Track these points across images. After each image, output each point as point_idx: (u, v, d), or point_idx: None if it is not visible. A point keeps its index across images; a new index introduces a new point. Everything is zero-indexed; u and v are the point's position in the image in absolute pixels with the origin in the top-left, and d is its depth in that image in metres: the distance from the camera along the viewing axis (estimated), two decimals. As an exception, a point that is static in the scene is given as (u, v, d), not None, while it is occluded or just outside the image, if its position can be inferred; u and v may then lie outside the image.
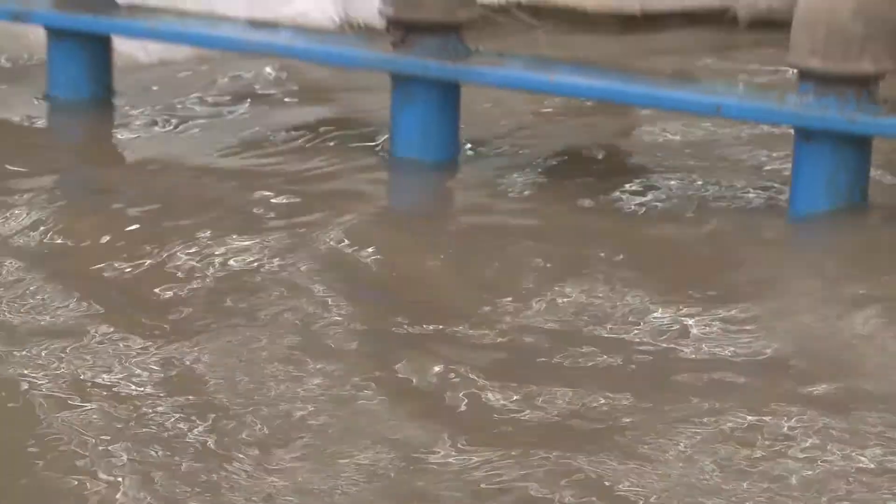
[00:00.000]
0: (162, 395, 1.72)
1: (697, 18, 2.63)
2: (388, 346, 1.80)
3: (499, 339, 1.77)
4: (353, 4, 2.43)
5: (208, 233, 1.83)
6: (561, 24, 2.54)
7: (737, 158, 2.15)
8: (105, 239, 1.83)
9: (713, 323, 1.77)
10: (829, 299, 1.79)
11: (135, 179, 1.97)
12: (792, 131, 1.95)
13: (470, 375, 1.71)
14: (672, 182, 2.06)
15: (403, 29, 1.95)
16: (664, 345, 1.77)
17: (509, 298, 1.81)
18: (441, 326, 1.81)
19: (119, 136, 2.09)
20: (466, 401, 1.68)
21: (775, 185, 2.06)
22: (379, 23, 2.38)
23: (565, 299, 1.82)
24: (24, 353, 1.80)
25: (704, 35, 2.60)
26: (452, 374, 1.73)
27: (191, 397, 1.70)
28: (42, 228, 1.83)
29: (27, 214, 1.84)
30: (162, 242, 1.85)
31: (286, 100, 2.23)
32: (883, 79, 1.86)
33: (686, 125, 2.20)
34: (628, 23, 2.59)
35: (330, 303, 1.82)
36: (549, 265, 1.82)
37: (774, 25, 2.56)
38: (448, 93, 1.98)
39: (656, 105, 2.00)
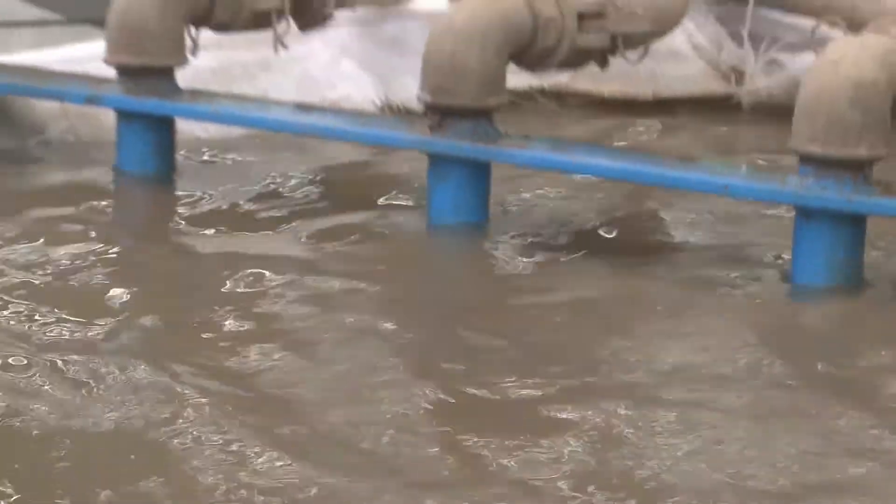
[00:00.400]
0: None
1: (704, 103, 2.63)
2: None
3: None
4: (393, 89, 2.44)
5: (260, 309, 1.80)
6: (580, 107, 2.54)
7: (741, 232, 2.14)
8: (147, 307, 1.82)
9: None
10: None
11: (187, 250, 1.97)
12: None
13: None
14: (682, 254, 2.06)
15: (439, 113, 1.96)
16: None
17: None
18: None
19: (177, 210, 2.09)
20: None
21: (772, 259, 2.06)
22: (416, 106, 2.39)
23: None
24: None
25: (711, 118, 2.59)
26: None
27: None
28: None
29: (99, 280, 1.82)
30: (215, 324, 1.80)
31: (328, 176, 2.22)
32: (877, 163, 1.86)
33: (694, 200, 2.19)
34: (641, 107, 2.59)
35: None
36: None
37: (774, 110, 2.55)
38: (479, 170, 1.99)
39: (669, 185, 2.00)
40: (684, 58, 2.56)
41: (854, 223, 1.87)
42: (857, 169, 1.85)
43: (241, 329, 1.76)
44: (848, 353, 1.79)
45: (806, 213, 1.87)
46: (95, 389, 1.71)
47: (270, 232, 2.04)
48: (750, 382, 1.71)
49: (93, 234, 1.96)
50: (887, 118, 1.86)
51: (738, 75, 2.58)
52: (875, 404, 1.69)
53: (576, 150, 2.03)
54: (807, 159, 1.86)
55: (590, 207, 2.18)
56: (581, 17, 2.03)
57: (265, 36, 2.25)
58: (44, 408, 1.67)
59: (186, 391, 1.68)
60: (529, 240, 2.04)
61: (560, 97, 2.48)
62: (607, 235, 2.10)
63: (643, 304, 1.89)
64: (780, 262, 2.02)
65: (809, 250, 1.88)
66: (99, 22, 3.07)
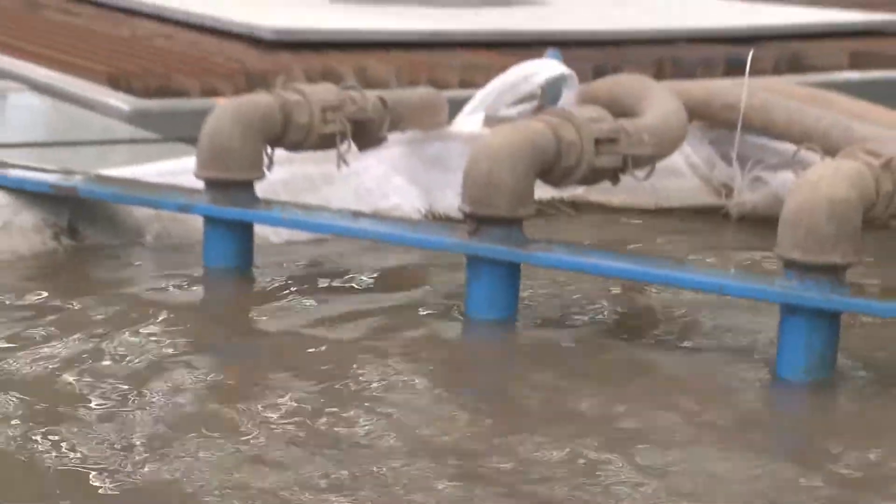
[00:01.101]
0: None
1: (698, 213, 2.65)
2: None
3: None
4: (435, 200, 2.46)
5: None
6: (594, 215, 2.55)
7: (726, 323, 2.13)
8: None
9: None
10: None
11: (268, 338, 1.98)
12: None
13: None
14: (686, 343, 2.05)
15: (477, 221, 1.97)
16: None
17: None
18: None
19: (253, 300, 2.10)
20: None
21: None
22: (455, 215, 2.41)
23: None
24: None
25: (704, 225, 2.61)
26: None
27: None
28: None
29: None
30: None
31: (382, 274, 2.23)
32: (850, 268, 1.87)
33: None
34: (646, 214, 2.61)
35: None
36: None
37: (757, 220, 2.57)
38: (511, 270, 2.00)
39: (671, 284, 2.01)
40: (682, 175, 2.58)
41: (831, 318, 1.88)
42: (833, 273, 1.86)
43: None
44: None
45: (790, 310, 1.88)
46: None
47: (332, 317, 2.05)
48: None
49: (181, 319, 1.97)
50: (858, 230, 1.88)
51: (728, 190, 2.59)
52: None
53: (591, 254, 2.04)
54: (790, 264, 1.87)
55: (599, 296, 2.18)
56: (597, 141, 2.05)
57: (329, 154, 2.27)
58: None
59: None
60: (553, 327, 2.04)
61: (577, 206, 2.49)
62: (613, 321, 2.11)
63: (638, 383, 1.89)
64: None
65: (792, 340, 1.89)
66: (190, 140, 3.11)
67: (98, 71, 4.25)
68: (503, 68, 4.84)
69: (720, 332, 2.03)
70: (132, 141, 3.09)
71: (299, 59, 4.77)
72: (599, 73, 4.95)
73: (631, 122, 2.18)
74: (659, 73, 5.32)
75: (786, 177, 2.49)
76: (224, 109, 2.08)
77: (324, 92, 2.19)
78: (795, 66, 5.63)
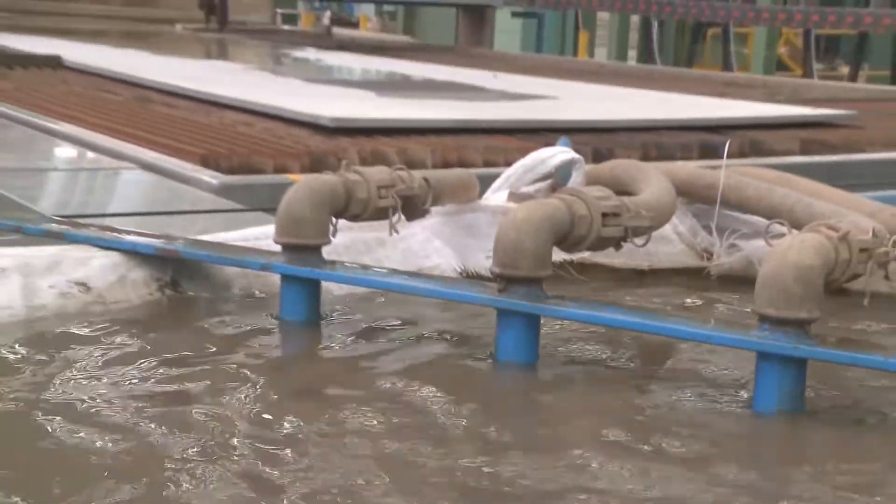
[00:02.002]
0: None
1: (685, 272, 2.63)
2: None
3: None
4: (468, 261, 2.44)
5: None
6: (598, 274, 2.53)
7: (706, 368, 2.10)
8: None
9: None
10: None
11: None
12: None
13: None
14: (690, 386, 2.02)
15: (505, 281, 1.95)
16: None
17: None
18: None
19: (322, 345, 2.09)
20: None
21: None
22: (485, 273, 2.40)
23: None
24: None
25: (689, 282, 2.59)
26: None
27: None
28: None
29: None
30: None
31: (425, 325, 2.20)
32: (814, 322, 1.85)
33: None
34: (640, 274, 2.58)
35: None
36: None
37: (733, 279, 2.55)
38: (533, 321, 1.98)
39: (666, 334, 1.98)
40: (671, 241, 2.57)
41: (798, 364, 1.85)
42: (800, 326, 1.84)
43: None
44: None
45: (764, 357, 1.85)
46: None
47: (384, 354, 2.03)
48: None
49: (260, 358, 1.95)
50: (821, 291, 1.86)
51: (709, 255, 2.57)
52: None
53: (598, 308, 2.02)
54: (764, 318, 1.85)
55: (606, 340, 2.15)
56: (604, 215, 2.04)
57: (382, 222, 2.26)
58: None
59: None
60: (572, 371, 2.02)
61: (583, 268, 2.46)
62: (615, 364, 2.08)
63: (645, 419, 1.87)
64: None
65: (766, 382, 1.86)
66: (267, 209, 3.11)
67: (193, 152, 4.26)
68: (519, 150, 4.85)
69: (706, 372, 1.99)
70: (225, 210, 3.10)
71: (353, 142, 4.78)
72: (597, 154, 4.95)
73: (631, 199, 2.17)
74: (645, 156, 5.31)
75: (757, 244, 2.47)
76: (299, 187, 2.07)
77: (379, 173, 2.19)
78: (756, 150, 5.63)
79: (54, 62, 7.63)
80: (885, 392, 1.94)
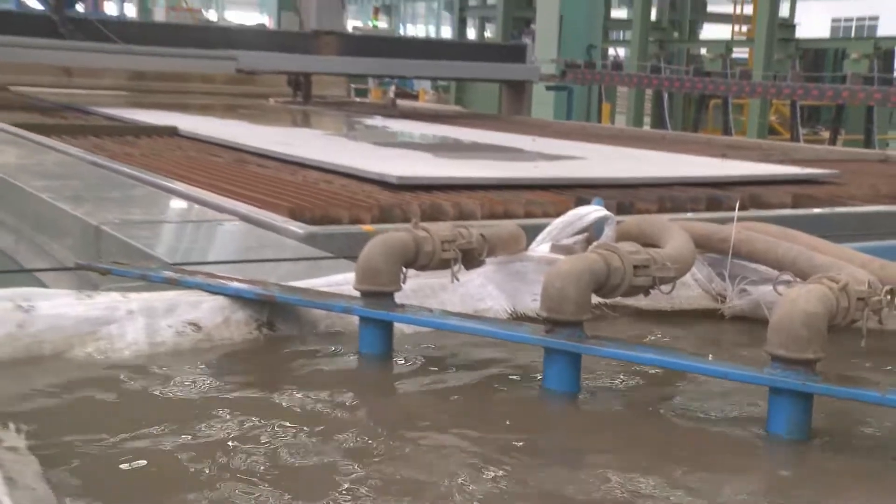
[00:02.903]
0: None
1: (701, 313, 2.56)
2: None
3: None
4: (517, 303, 2.39)
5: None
6: (628, 315, 2.47)
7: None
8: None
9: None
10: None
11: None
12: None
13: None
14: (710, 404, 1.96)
15: (551, 323, 1.91)
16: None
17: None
18: None
19: (394, 372, 2.05)
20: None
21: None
22: (531, 313, 2.35)
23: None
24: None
25: (706, 323, 2.52)
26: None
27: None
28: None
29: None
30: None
31: (480, 360, 2.16)
32: (819, 362, 1.79)
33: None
34: (663, 314, 2.52)
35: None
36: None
37: (744, 320, 2.49)
38: (575, 359, 1.92)
39: (691, 371, 1.92)
40: (689, 286, 2.51)
41: (805, 398, 1.78)
42: (807, 365, 1.78)
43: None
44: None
45: (776, 391, 1.78)
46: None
47: (449, 384, 1.98)
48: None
49: (343, 385, 1.91)
50: (825, 334, 1.79)
51: (722, 298, 2.51)
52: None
53: (632, 347, 1.97)
54: (776, 358, 1.78)
55: (635, 375, 2.09)
56: (635, 267, 1.99)
57: (445, 271, 2.23)
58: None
59: None
60: (608, 398, 1.96)
61: (615, 308, 2.41)
62: (646, 394, 2.01)
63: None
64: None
65: (778, 414, 1.80)
66: (352, 258, 3.09)
67: (282, 206, 4.27)
68: (554, 203, 4.80)
69: (724, 404, 1.93)
70: (313, 258, 3.09)
71: (415, 196, 4.77)
72: (621, 206, 4.89)
73: (657, 252, 2.12)
74: (661, 208, 5.25)
75: (764, 289, 2.41)
76: (375, 242, 2.04)
77: (443, 229, 2.16)
78: (755, 203, 5.57)
79: (171, 131, 7.73)
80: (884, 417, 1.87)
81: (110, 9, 26.66)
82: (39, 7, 19.49)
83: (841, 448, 1.79)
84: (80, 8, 16.93)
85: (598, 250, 1.98)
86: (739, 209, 5.17)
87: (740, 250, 2.45)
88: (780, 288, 1.97)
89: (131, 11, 26.75)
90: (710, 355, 1.90)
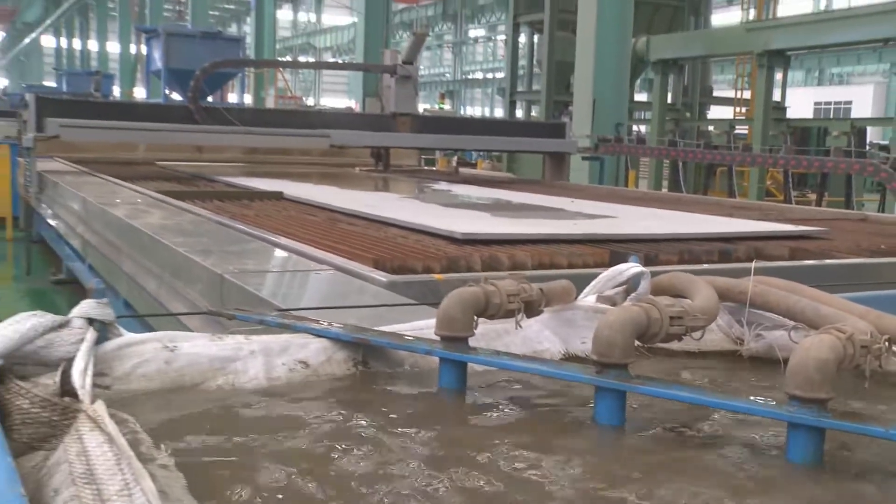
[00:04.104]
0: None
1: (723, 353, 2.48)
2: None
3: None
4: (570, 346, 2.33)
5: None
6: (661, 356, 2.40)
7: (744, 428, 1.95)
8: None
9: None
10: None
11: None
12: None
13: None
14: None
15: (601, 365, 1.85)
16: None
17: None
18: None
19: (468, 404, 2.00)
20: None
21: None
22: (581, 353, 2.29)
23: None
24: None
25: (727, 362, 2.44)
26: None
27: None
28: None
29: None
30: None
31: (540, 395, 2.10)
32: (829, 401, 1.71)
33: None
34: (692, 354, 2.44)
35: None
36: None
37: (759, 360, 2.40)
38: (621, 395, 1.86)
39: (721, 408, 1.85)
40: (713, 331, 2.43)
41: (818, 431, 1.70)
42: (820, 403, 1.70)
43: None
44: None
45: (794, 426, 1.71)
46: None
47: (515, 415, 1.93)
48: None
49: (424, 415, 1.87)
50: (835, 377, 1.72)
51: (741, 341, 2.43)
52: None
53: (670, 386, 1.90)
54: (793, 397, 1.71)
55: (668, 409, 2.02)
56: (671, 318, 1.93)
57: (509, 319, 2.18)
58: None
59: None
60: (649, 429, 1.89)
61: (650, 350, 2.34)
62: (683, 426, 1.94)
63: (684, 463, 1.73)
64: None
65: (795, 444, 1.72)
66: (426, 303, 3.06)
67: (368, 257, 4.27)
68: (592, 255, 4.72)
69: (747, 435, 1.85)
70: (398, 305, 3.06)
71: (476, 249, 4.74)
72: (647, 258, 4.80)
73: (689, 304, 2.06)
74: (680, 259, 5.16)
75: (776, 334, 2.33)
76: (452, 296, 2.01)
77: (509, 285, 2.12)
78: (758, 255, 5.44)
79: (278, 195, 7.81)
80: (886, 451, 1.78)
81: (232, 98, 27.22)
82: (180, 100, 20.08)
83: (846, 471, 1.72)
84: (210, 99, 17.36)
85: (641, 304, 1.93)
86: (745, 260, 5.08)
87: (756, 301, 2.37)
88: (794, 336, 1.90)
89: (248, 100, 27.30)
90: (737, 394, 1.81)
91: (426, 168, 15.61)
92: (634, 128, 22.41)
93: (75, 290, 10.29)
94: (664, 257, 4.84)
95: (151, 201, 6.83)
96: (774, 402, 1.75)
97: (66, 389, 1.56)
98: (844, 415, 1.73)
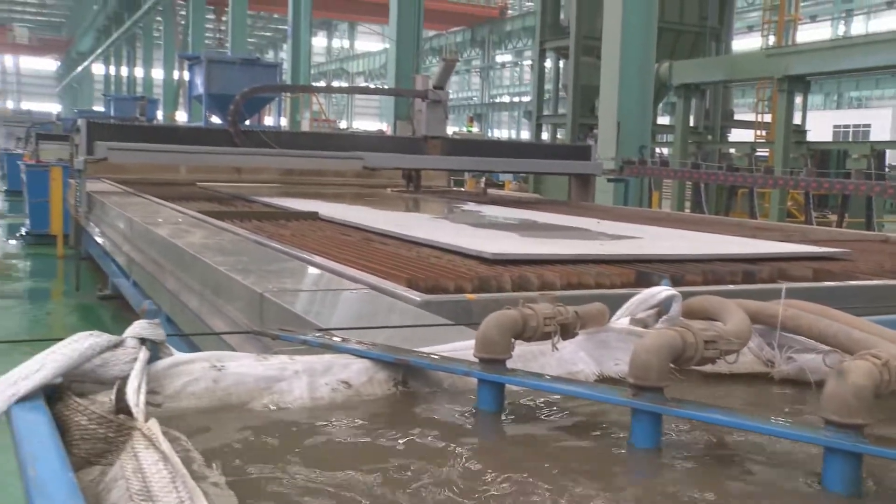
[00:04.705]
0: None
1: (753, 375, 2.43)
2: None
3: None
4: (604, 367, 2.31)
5: None
6: (694, 378, 2.35)
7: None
8: None
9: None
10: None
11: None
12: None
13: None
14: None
15: (637, 388, 1.83)
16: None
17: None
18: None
19: (507, 423, 1.97)
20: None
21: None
22: (614, 374, 2.26)
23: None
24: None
25: (757, 383, 2.39)
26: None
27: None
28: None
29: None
30: None
31: (576, 416, 2.07)
32: (867, 426, 1.67)
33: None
34: (723, 376, 2.39)
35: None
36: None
37: (790, 382, 2.36)
38: (656, 418, 1.83)
39: (759, 432, 1.81)
40: (744, 353, 2.39)
41: (855, 457, 1.66)
42: (856, 429, 1.66)
43: None
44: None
45: (831, 450, 1.67)
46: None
47: (549, 433, 1.90)
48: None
49: (460, 432, 1.86)
50: (871, 401, 1.68)
51: (771, 363, 2.39)
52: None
53: (704, 409, 1.86)
54: (829, 422, 1.68)
55: (709, 430, 1.98)
56: (706, 342, 1.90)
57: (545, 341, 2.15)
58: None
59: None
60: (685, 452, 1.85)
61: (682, 372, 2.30)
62: (719, 449, 1.90)
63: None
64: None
65: (832, 468, 1.68)
66: (461, 324, 3.04)
67: (401, 277, 4.27)
68: (619, 275, 4.69)
69: (781, 460, 1.81)
70: (436, 325, 3.05)
71: (506, 269, 4.73)
72: (673, 279, 4.75)
73: (722, 328, 2.03)
74: (705, 280, 5.11)
75: (807, 357, 2.29)
76: (491, 319, 2.00)
77: (545, 308, 2.10)
78: (782, 276, 5.36)
79: (313, 216, 7.85)
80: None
81: (269, 121, 27.52)
82: (220, 123, 20.35)
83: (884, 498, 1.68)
84: (247, 122, 17.58)
85: (676, 328, 1.90)
86: (769, 281, 5.01)
87: (787, 325, 2.33)
88: (828, 360, 1.86)
89: (284, 123, 27.55)
90: (772, 417, 1.78)
91: (455, 189, 15.61)
92: (658, 150, 22.30)
93: (120, 306, 10.39)
94: (689, 278, 4.78)
95: (193, 221, 6.89)
96: (811, 427, 1.71)
97: (121, 407, 1.57)
98: (882, 441, 1.68)
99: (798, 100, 19.73)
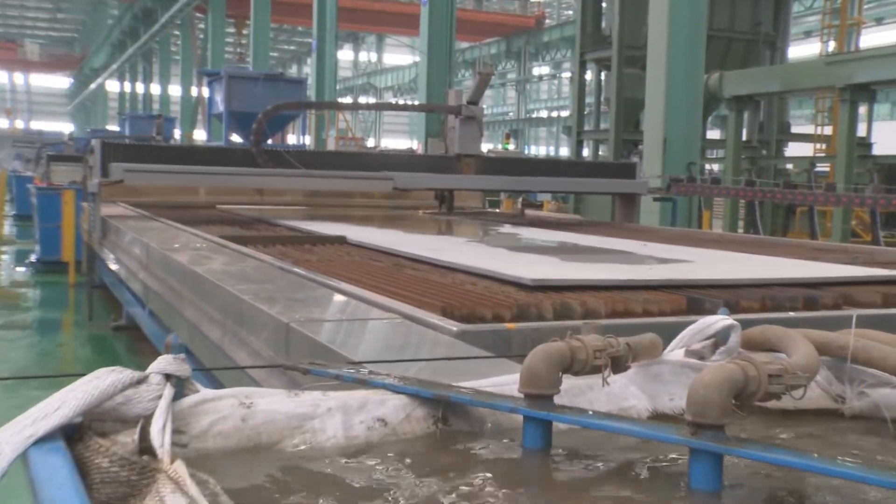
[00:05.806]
0: None
1: (822, 413, 2.39)
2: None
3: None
4: (657, 403, 2.29)
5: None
6: (755, 413, 2.32)
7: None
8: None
9: None
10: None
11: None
12: None
13: None
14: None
15: (696, 426, 1.81)
16: None
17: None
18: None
19: (555, 461, 1.97)
20: None
21: None
22: (668, 411, 2.25)
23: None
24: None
25: (827, 422, 2.35)
26: None
27: None
28: None
29: None
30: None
31: (628, 456, 2.06)
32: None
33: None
34: (788, 412, 2.36)
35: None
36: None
37: (862, 419, 2.31)
38: (717, 458, 1.81)
39: (824, 473, 1.77)
40: (811, 388, 2.35)
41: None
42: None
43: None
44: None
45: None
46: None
47: (599, 471, 1.89)
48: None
49: (506, 472, 1.85)
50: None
51: (842, 399, 2.35)
52: None
53: (768, 448, 1.84)
54: (907, 463, 1.64)
55: (761, 472, 1.95)
56: (770, 376, 1.88)
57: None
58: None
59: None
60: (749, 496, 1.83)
61: (742, 408, 2.27)
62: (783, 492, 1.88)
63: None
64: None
65: None
66: (507, 356, 3.02)
67: (435, 305, 4.27)
68: (668, 301, 4.66)
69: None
70: (475, 359, 3.03)
71: (547, 296, 4.72)
72: (728, 306, 4.71)
73: (788, 361, 2.00)
74: (763, 307, 5.06)
75: (882, 392, 2.25)
76: (537, 352, 1.99)
77: (594, 340, 2.09)
78: (847, 302, 5.28)
79: (340, 240, 7.90)
80: None
81: (291, 139, 27.81)
82: (241, 141, 20.65)
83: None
84: (270, 141, 17.76)
85: (737, 361, 1.88)
86: (832, 307, 4.93)
87: (857, 357, 2.30)
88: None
89: (308, 140, 27.84)
90: (843, 458, 1.75)
91: (491, 210, 15.62)
92: (707, 167, 22.17)
93: (135, 337, 10.51)
94: (745, 304, 4.73)
95: (213, 246, 6.96)
96: (890, 470, 1.68)
97: (145, 448, 1.59)
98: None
99: (862, 110, 19.50)
